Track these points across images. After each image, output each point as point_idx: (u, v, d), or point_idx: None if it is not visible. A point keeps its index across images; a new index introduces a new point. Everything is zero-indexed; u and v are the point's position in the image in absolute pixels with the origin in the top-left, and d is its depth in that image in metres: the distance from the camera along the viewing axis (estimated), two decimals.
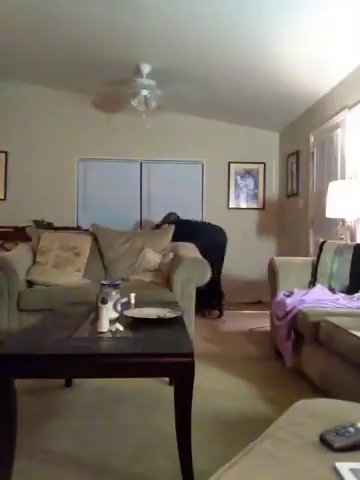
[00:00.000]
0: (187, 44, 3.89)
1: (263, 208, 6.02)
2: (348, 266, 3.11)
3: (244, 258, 5.52)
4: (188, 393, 1.54)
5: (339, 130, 4.09)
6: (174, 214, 5.42)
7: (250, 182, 5.99)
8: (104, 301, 1.85)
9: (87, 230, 4.54)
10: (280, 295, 3.09)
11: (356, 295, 2.89)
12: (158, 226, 5.21)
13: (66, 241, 3.79)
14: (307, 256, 4.41)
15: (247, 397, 2.47)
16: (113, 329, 1.83)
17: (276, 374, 2.87)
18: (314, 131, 4.74)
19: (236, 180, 6.02)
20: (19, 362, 1.57)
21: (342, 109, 3.97)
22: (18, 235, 5.04)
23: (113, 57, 4.35)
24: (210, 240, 4.93)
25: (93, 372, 1.65)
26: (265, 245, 5.86)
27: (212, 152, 5.91)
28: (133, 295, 2.44)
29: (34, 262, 3.74)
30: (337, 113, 4.09)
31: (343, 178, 3.92)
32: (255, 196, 6.03)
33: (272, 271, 3.40)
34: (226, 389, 2.59)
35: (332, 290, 3.06)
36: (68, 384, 2.54)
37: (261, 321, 4.39)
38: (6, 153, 5.67)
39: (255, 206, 6.02)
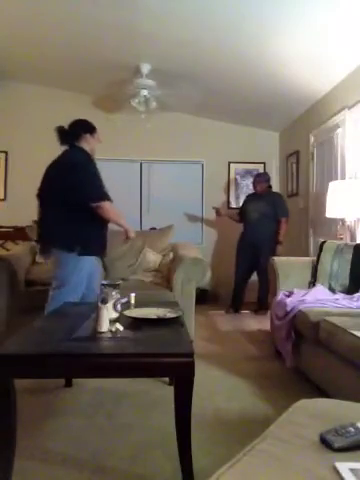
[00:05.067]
0: (187, 44, 3.89)
1: None
2: (348, 266, 3.11)
3: None
4: (188, 393, 1.54)
5: (339, 130, 4.09)
6: (266, 175, 5.22)
7: (250, 182, 5.98)
8: (104, 301, 1.85)
9: None
10: (280, 295, 3.09)
11: (356, 295, 2.89)
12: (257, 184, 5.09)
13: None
14: (307, 256, 4.41)
15: (247, 397, 2.47)
16: (113, 329, 1.83)
17: (276, 374, 2.87)
18: (314, 131, 4.74)
19: (236, 180, 6.02)
20: (19, 362, 1.57)
21: (342, 109, 3.97)
22: (18, 235, 5.05)
23: (113, 57, 4.35)
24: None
25: (93, 372, 1.65)
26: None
27: (212, 152, 5.90)
28: (133, 295, 2.44)
29: (34, 262, 3.75)
30: (337, 113, 4.09)
31: (343, 178, 3.92)
32: None
33: (272, 271, 3.40)
34: (226, 389, 2.59)
35: (332, 290, 3.06)
36: (68, 384, 2.54)
37: (261, 321, 4.40)
38: (6, 153, 5.67)
39: None
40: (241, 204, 5.40)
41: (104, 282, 2.16)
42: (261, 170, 5.97)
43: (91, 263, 2.87)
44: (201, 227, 5.97)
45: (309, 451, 0.99)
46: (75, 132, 2.90)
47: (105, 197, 2.77)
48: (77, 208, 2.71)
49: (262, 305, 4.87)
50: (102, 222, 2.86)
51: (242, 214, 5.19)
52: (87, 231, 2.77)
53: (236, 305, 5.03)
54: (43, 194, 2.84)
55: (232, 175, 6.01)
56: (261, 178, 5.09)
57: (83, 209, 2.72)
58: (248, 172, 5.96)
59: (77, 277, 2.76)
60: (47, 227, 2.81)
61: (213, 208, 5.34)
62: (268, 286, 4.81)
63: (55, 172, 2.81)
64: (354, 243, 3.33)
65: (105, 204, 2.75)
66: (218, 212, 5.28)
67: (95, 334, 1.80)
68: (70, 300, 2.65)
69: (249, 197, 5.27)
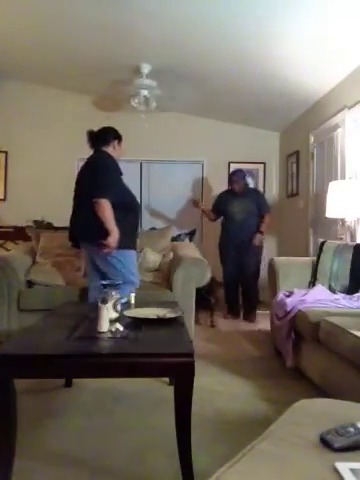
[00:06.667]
0: (187, 44, 3.89)
1: None
2: (348, 266, 3.11)
3: None
4: (188, 393, 1.54)
5: (339, 130, 4.08)
6: (242, 172, 4.89)
7: (250, 182, 5.99)
8: (104, 301, 1.86)
9: None
10: (280, 295, 3.09)
11: (356, 295, 2.89)
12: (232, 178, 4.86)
13: (66, 241, 3.78)
14: (307, 256, 4.41)
15: (247, 397, 2.47)
16: (113, 329, 1.83)
17: (276, 374, 2.87)
18: (314, 131, 4.74)
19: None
20: (19, 362, 1.57)
21: (342, 109, 3.97)
22: (18, 235, 5.05)
23: (113, 57, 4.35)
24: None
25: (93, 372, 1.65)
26: (265, 245, 5.84)
27: (212, 152, 5.90)
28: (133, 295, 2.44)
29: (34, 262, 3.75)
30: (337, 113, 4.09)
31: (343, 178, 3.92)
32: None
33: (272, 271, 3.40)
34: (226, 389, 2.59)
35: (332, 290, 3.06)
36: (68, 384, 2.54)
37: (261, 321, 4.39)
38: (6, 153, 5.67)
39: None
40: (215, 202, 5.04)
41: (104, 282, 2.16)
42: (261, 170, 5.98)
43: (134, 255, 3.07)
44: (201, 227, 5.97)
45: (309, 451, 0.99)
46: (105, 137, 3.10)
47: (106, 196, 2.83)
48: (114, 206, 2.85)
49: (251, 310, 4.67)
50: (133, 219, 3.07)
51: (221, 214, 4.91)
52: (125, 226, 2.89)
53: (234, 308, 4.81)
54: (77, 197, 3.04)
55: None
56: (238, 177, 4.80)
57: (115, 206, 2.85)
58: (248, 172, 5.95)
59: (128, 269, 2.93)
60: (90, 226, 2.90)
61: (191, 199, 5.15)
62: (257, 290, 4.73)
63: (83, 174, 3.01)
64: (354, 243, 3.33)
65: (102, 201, 2.82)
66: (196, 203, 5.01)
67: (95, 334, 1.80)
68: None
69: (227, 196, 4.91)
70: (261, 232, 4.74)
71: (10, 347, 1.70)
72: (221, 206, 4.90)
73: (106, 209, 2.81)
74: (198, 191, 5.96)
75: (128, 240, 2.95)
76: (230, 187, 4.92)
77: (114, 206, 2.84)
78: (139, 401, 2.37)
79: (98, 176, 2.89)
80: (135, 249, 3.11)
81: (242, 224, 4.71)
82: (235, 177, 4.82)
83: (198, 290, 3.45)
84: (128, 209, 3.00)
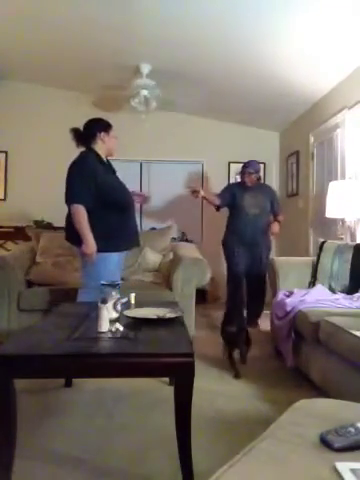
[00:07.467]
0: (187, 45, 3.89)
1: None
2: (348, 266, 3.11)
3: None
4: (188, 393, 1.54)
5: (339, 130, 4.09)
6: (257, 163, 4.43)
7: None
8: (104, 301, 1.86)
9: None
10: (280, 295, 3.09)
11: (356, 295, 2.89)
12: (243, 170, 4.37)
13: (66, 241, 3.79)
14: (307, 256, 4.41)
15: (247, 397, 2.47)
16: (113, 329, 1.83)
17: (276, 374, 2.87)
18: (314, 131, 4.74)
19: (236, 180, 6.01)
20: (19, 362, 1.57)
21: (342, 109, 3.97)
22: (18, 235, 5.05)
23: (113, 57, 4.35)
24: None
25: (93, 372, 1.65)
26: None
27: (212, 152, 5.90)
28: (133, 295, 2.44)
29: (34, 262, 3.75)
30: (337, 113, 4.09)
31: (343, 178, 3.92)
32: None
33: (272, 271, 3.40)
34: (226, 389, 2.59)
35: (332, 290, 3.06)
36: (68, 384, 2.54)
37: (261, 321, 4.39)
38: (6, 153, 5.67)
39: None
40: (224, 188, 4.54)
41: (104, 282, 2.16)
42: (261, 170, 5.96)
43: (114, 259, 2.82)
44: (201, 227, 5.97)
45: (309, 451, 0.99)
46: (89, 133, 2.92)
47: (78, 201, 2.70)
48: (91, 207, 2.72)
49: (256, 316, 4.32)
50: (117, 218, 2.82)
51: (226, 203, 4.40)
52: (102, 227, 2.73)
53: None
54: None
55: (232, 175, 6.00)
56: (253, 168, 4.31)
57: (94, 207, 2.72)
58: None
59: (93, 276, 2.69)
60: (71, 232, 2.80)
61: (188, 187, 4.50)
62: (265, 294, 4.32)
63: None
64: (354, 243, 3.33)
65: (72, 207, 2.71)
66: (195, 193, 4.25)
67: (95, 334, 1.80)
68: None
69: (236, 189, 4.42)
70: (279, 221, 4.34)
71: (10, 347, 1.70)
72: (229, 195, 4.38)
73: (78, 215, 2.68)
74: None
75: (104, 242, 2.72)
76: (241, 180, 4.42)
77: (90, 209, 2.70)
78: (139, 401, 2.37)
79: (68, 181, 2.79)
80: (116, 251, 2.82)
81: (254, 221, 4.25)
82: (249, 168, 4.29)
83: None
84: (112, 208, 2.80)
